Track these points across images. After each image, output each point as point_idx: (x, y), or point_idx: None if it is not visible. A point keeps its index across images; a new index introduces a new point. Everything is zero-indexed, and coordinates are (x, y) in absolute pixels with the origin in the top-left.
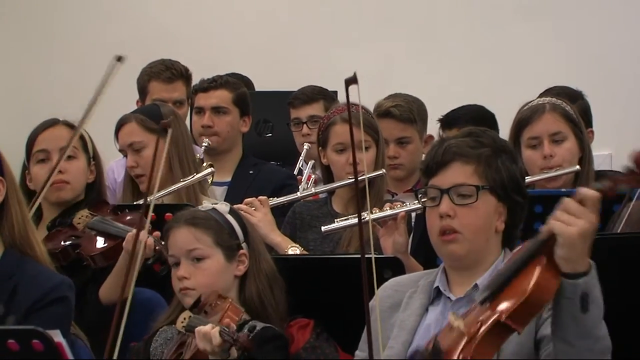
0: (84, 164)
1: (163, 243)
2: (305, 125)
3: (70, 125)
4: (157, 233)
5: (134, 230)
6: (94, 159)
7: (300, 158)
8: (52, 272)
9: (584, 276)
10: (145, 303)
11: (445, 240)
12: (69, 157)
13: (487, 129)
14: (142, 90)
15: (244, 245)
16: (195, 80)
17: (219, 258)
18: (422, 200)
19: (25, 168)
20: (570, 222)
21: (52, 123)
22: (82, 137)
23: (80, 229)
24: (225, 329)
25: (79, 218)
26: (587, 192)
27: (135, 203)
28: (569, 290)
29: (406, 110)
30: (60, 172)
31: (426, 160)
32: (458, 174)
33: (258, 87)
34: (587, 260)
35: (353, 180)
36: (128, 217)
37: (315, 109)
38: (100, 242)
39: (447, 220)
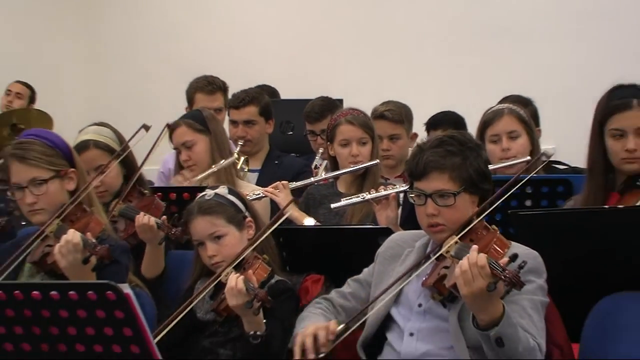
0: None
1: (166, 223)
2: (319, 137)
3: (99, 146)
4: (164, 218)
5: (142, 217)
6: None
7: (317, 157)
8: (112, 239)
9: (495, 326)
10: (179, 260)
11: (434, 231)
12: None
13: (454, 134)
14: (190, 100)
15: (247, 214)
16: (232, 89)
17: (234, 232)
18: (411, 196)
19: None
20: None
21: (84, 146)
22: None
23: (115, 215)
24: (250, 283)
25: (113, 207)
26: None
27: (156, 186)
28: (484, 338)
29: (397, 113)
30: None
31: (409, 165)
32: (437, 181)
33: (282, 95)
34: (497, 308)
35: (355, 168)
36: (145, 202)
37: (325, 124)
38: (129, 227)
39: (433, 218)
